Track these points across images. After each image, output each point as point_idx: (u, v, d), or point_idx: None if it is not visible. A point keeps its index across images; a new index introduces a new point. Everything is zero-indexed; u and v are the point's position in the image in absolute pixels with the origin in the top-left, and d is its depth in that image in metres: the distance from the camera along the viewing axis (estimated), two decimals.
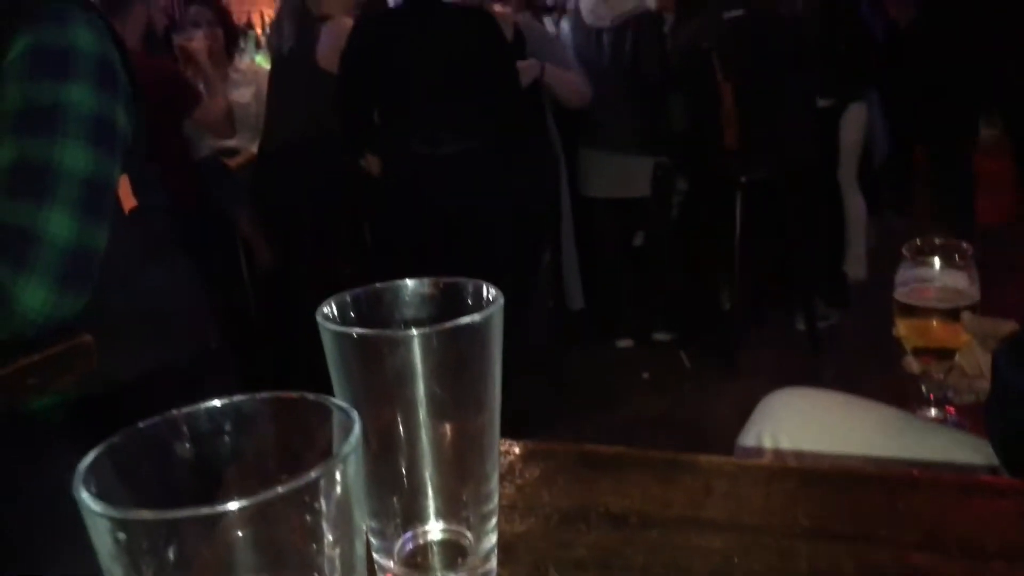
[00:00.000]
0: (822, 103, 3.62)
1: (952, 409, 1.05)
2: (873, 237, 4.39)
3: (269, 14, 5.70)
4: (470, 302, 0.44)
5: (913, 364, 1.02)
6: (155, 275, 1.16)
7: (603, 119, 3.46)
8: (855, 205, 4.04)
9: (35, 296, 0.93)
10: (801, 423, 1.00)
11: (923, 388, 1.05)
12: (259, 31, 5.54)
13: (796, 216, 3.45)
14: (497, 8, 3.35)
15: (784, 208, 3.44)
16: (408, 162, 2.56)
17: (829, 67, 3.46)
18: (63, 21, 1.02)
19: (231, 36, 3.55)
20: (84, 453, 0.31)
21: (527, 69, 2.80)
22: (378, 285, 0.45)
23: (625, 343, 3.63)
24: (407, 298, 0.45)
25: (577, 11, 3.58)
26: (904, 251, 1.01)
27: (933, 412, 1.04)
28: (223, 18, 3.58)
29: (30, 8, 1.01)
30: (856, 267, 4.05)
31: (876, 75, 3.85)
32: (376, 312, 0.44)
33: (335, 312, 0.42)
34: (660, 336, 3.64)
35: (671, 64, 3.43)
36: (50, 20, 1.01)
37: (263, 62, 3.89)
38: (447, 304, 0.44)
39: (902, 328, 1.01)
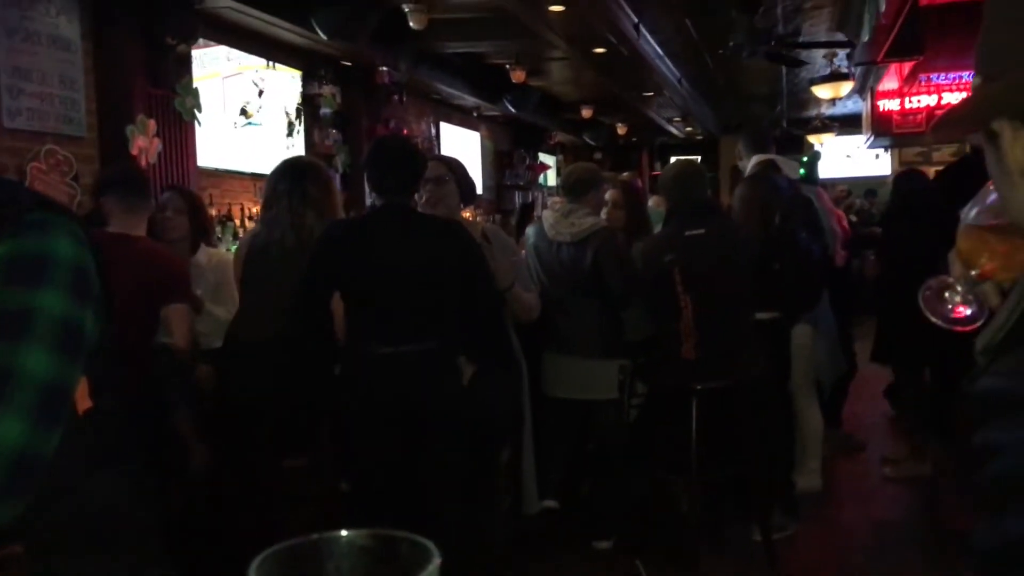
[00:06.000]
0: (762, 316, 3.76)
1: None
2: (828, 448, 4.45)
3: (249, 207, 5.94)
4: (407, 559, 0.45)
5: (956, 267, 1.09)
6: (103, 484, 1.13)
7: (565, 325, 3.58)
8: (811, 418, 4.11)
9: None
10: None
11: (959, 287, 1.13)
12: (237, 223, 5.75)
13: (751, 426, 3.49)
14: (467, 214, 3.53)
15: (739, 418, 3.48)
16: (370, 360, 2.59)
17: (773, 285, 3.64)
18: (44, 230, 1.06)
19: (202, 225, 3.60)
20: None
21: (506, 270, 2.93)
22: (314, 536, 0.46)
23: (584, 546, 3.55)
24: (343, 551, 0.46)
25: (541, 220, 3.79)
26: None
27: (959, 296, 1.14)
28: (193, 207, 3.54)
29: (15, 216, 1.05)
30: (810, 479, 4.06)
31: (814, 296, 4.06)
32: (311, 566, 0.45)
33: (267, 568, 0.43)
34: (612, 543, 3.56)
35: (631, 276, 3.59)
36: (32, 228, 1.05)
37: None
38: (384, 559, 0.45)
39: (969, 244, 1.08)
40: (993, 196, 1.02)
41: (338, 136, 7.16)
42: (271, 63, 6.46)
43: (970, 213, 1.10)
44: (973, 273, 1.11)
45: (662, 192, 3.77)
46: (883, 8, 6.62)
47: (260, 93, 6.26)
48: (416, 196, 2.90)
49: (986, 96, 0.77)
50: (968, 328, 1.17)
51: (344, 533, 0.46)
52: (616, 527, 3.59)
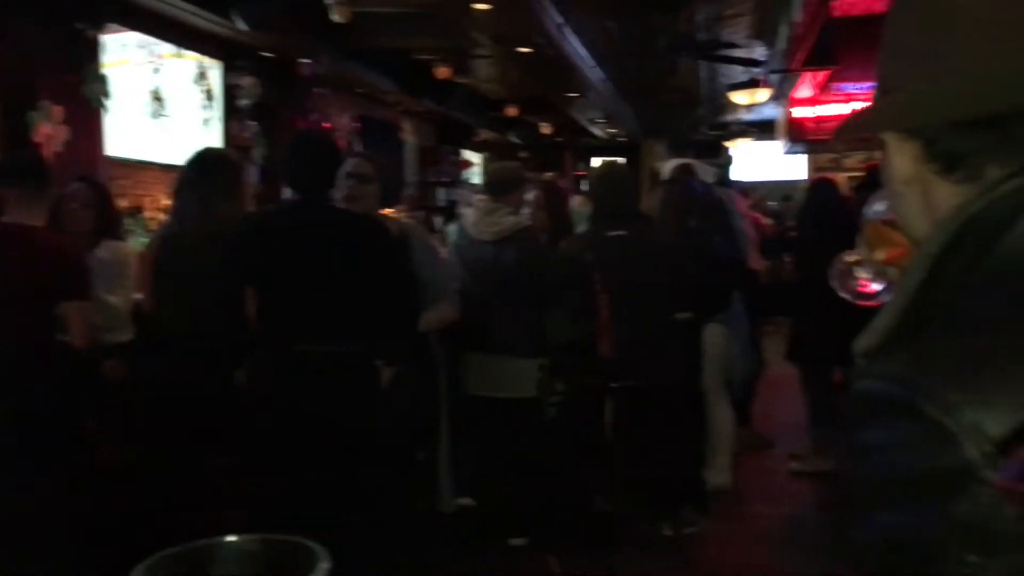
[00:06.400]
0: (680, 316, 3.86)
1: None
2: (738, 445, 4.59)
3: (161, 198, 5.77)
4: (296, 563, 0.45)
5: (863, 252, 1.19)
6: (2, 489, 1.09)
7: (487, 324, 3.58)
8: (722, 416, 4.23)
9: None
10: None
11: (864, 268, 1.23)
12: (148, 215, 5.58)
13: (666, 424, 3.57)
14: (387, 210, 3.51)
15: (654, 416, 3.56)
16: (285, 359, 2.55)
17: (687, 286, 3.74)
18: None
19: (108, 219, 3.50)
20: None
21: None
22: (203, 542, 0.45)
23: (501, 543, 3.57)
24: (231, 556, 0.46)
25: (463, 219, 3.80)
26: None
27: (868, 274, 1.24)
28: (101, 200, 3.47)
29: None
30: (721, 475, 4.18)
31: (727, 297, 4.18)
32: (197, 571, 0.44)
33: (153, 572, 0.42)
34: (526, 540, 3.59)
35: (551, 277, 3.63)
36: None
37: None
38: (273, 563, 0.45)
39: (872, 236, 1.17)
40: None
41: (257, 128, 7.01)
42: (182, 51, 6.27)
43: (874, 207, 1.17)
44: (878, 259, 1.18)
45: (589, 193, 3.83)
46: (798, 19, 6.84)
47: (156, 70, 6.03)
48: (334, 192, 2.88)
49: (878, 109, 0.81)
50: (873, 304, 1.24)
51: (231, 538, 0.46)
52: (532, 524, 3.62)
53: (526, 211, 4.13)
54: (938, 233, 0.70)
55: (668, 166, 4.39)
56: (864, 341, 0.72)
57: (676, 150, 4.57)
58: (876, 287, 1.24)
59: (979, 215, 0.68)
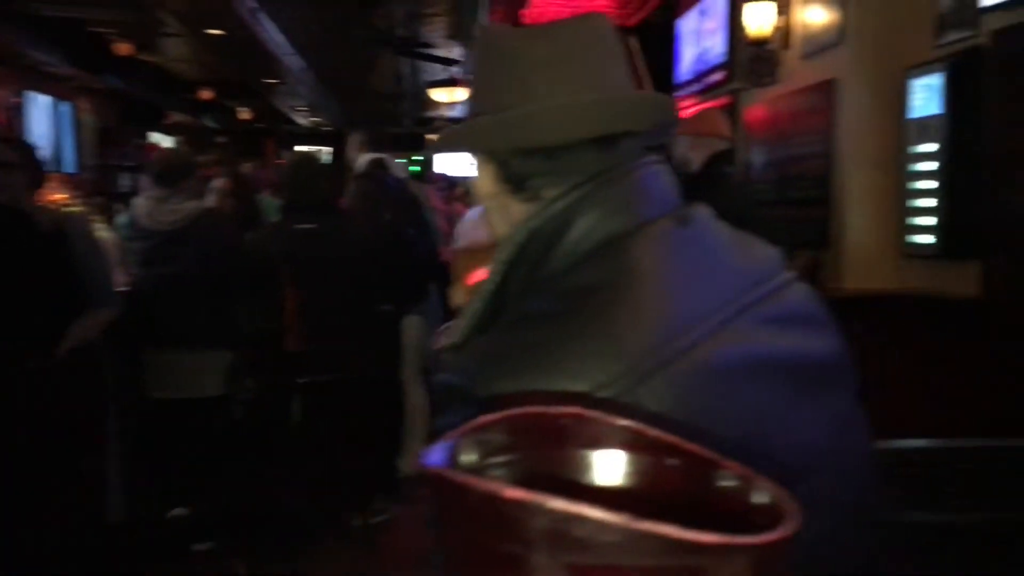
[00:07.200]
0: (382, 308, 3.95)
1: None
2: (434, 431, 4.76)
3: None
4: None
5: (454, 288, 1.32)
6: None
7: (169, 320, 3.39)
8: (418, 404, 4.37)
9: None
10: None
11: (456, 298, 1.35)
12: None
13: (359, 416, 3.61)
14: (60, 195, 3.18)
15: (346, 410, 3.59)
16: None
17: (383, 279, 3.82)
18: None
19: None
20: None
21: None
22: None
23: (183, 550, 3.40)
24: None
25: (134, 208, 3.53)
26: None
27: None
28: None
29: None
30: (413, 461, 4.32)
31: (422, 289, 4.34)
32: None
33: None
34: (210, 544, 3.47)
35: (237, 266, 3.52)
36: None
37: None
38: None
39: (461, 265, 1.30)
40: (467, 225, 1.24)
41: None
42: None
43: (463, 226, 1.33)
44: (467, 287, 1.31)
45: (280, 183, 3.75)
46: (486, 23, 7.21)
47: None
48: None
49: (461, 131, 0.91)
50: None
51: None
52: (218, 527, 3.49)
53: (211, 198, 3.97)
54: (506, 244, 0.81)
55: (362, 160, 4.43)
56: (446, 339, 0.81)
57: (373, 144, 4.60)
58: None
59: (538, 229, 0.79)
